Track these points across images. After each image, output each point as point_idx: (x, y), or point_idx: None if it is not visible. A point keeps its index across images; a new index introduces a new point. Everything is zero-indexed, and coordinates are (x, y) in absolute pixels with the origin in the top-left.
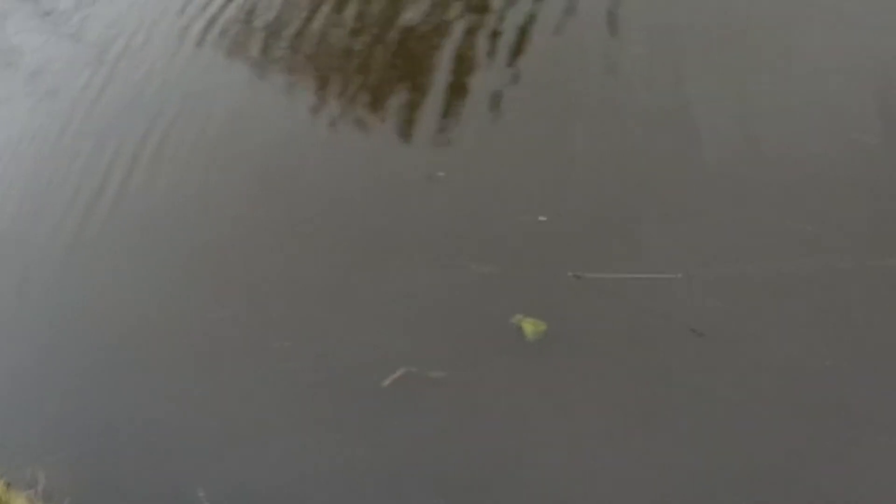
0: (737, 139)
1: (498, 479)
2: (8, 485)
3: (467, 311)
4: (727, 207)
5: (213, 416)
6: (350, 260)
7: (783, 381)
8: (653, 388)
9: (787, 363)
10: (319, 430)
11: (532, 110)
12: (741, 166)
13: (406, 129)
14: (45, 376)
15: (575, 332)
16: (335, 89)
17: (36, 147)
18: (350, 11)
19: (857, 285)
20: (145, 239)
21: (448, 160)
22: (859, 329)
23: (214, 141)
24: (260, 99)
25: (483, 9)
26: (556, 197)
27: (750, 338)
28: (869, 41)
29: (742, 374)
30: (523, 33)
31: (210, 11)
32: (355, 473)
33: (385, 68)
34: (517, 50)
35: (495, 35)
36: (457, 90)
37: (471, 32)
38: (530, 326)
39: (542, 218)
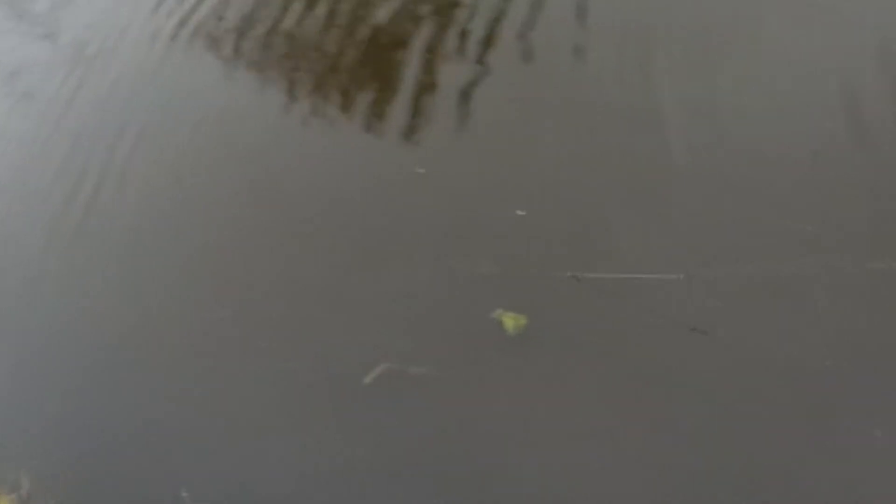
0: (731, 137)
1: (490, 477)
2: None
3: (449, 308)
4: (699, 205)
5: (201, 417)
6: (330, 258)
7: (783, 381)
8: (652, 386)
9: (787, 363)
10: (306, 429)
11: (504, 106)
12: (713, 164)
13: (381, 125)
14: (27, 381)
15: (560, 327)
16: (308, 88)
17: (19, 147)
18: (322, 9)
19: (857, 285)
20: (135, 243)
21: (426, 156)
22: (859, 329)
23: (195, 142)
24: (238, 98)
25: (454, 5)
26: (535, 193)
27: (749, 338)
28: (844, 34)
29: (742, 373)
30: (492, 30)
31: (191, 9)
32: (343, 472)
33: (357, 66)
34: (487, 47)
35: (464, 33)
36: (429, 87)
37: (441, 30)
38: (511, 321)
39: (520, 212)
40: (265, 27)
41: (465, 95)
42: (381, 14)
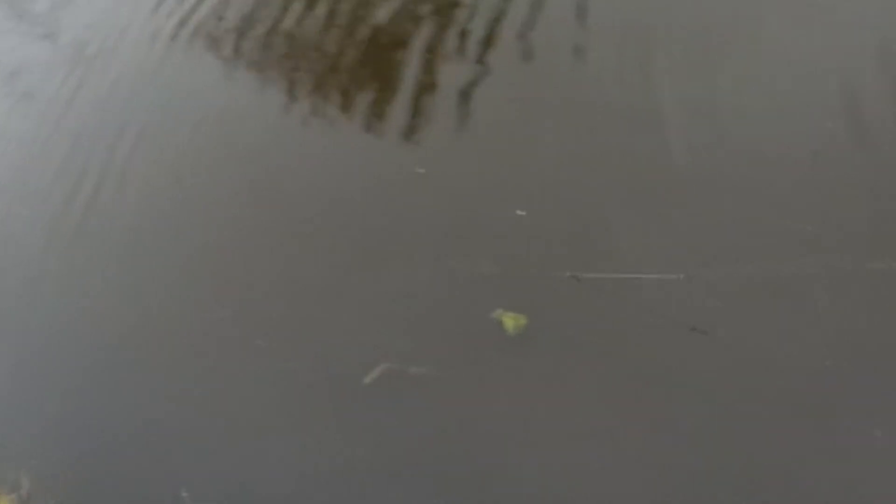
0: (730, 137)
1: (490, 477)
2: None
3: (449, 308)
4: (700, 205)
5: (201, 417)
6: (329, 258)
7: (783, 381)
8: (651, 386)
9: (786, 363)
10: (306, 429)
11: (505, 106)
12: (713, 164)
13: (380, 125)
14: (27, 380)
15: (559, 327)
16: (308, 88)
17: (20, 147)
18: (322, 9)
19: (857, 285)
20: (135, 243)
21: (426, 156)
22: (859, 329)
23: (195, 142)
24: (238, 97)
25: (454, 4)
26: (535, 193)
27: (749, 338)
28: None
29: (741, 373)
30: (492, 30)
31: (191, 9)
32: (343, 472)
33: (356, 66)
34: (487, 46)
35: (464, 33)
36: (429, 87)
37: (441, 30)
38: (511, 321)
39: (520, 212)
40: (265, 27)
41: (466, 95)
42: (382, 14)
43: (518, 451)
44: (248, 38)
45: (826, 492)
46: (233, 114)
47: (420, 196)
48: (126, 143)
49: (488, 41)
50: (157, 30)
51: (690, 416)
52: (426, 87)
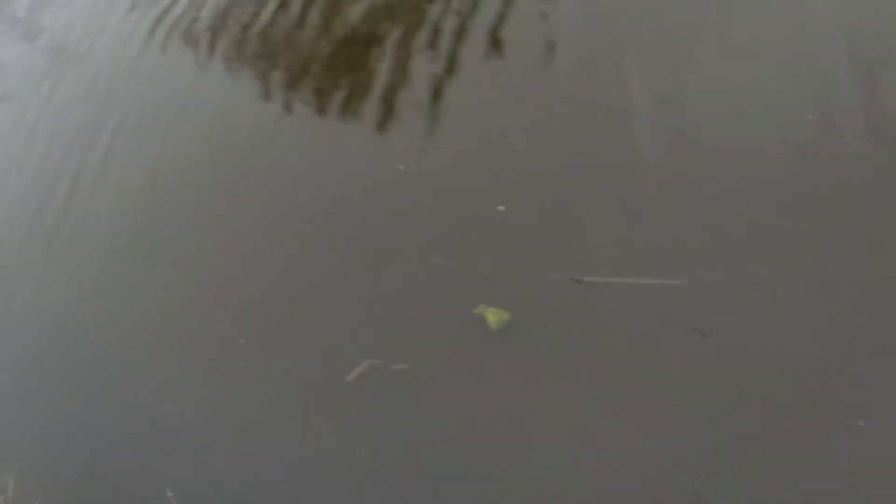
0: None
1: (489, 475)
2: None
3: (431, 304)
4: (674, 204)
5: (185, 417)
6: (308, 256)
7: (784, 382)
8: (650, 386)
9: (787, 363)
10: (294, 427)
11: (477, 101)
12: (714, 164)
13: (358, 122)
14: (12, 383)
15: (543, 322)
16: (284, 85)
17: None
18: (296, 6)
19: (858, 288)
20: (109, 245)
21: (405, 153)
22: (861, 331)
23: (172, 142)
24: (219, 95)
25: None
26: (517, 188)
27: (750, 339)
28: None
29: (742, 375)
30: (464, 27)
31: (167, 7)
32: (336, 471)
33: (335, 64)
34: (459, 44)
35: (437, 31)
36: (405, 84)
37: (415, 27)
38: (493, 316)
39: (500, 208)
40: (241, 24)
41: (442, 92)
42: (356, 12)
43: (507, 449)
44: (223, 37)
45: (827, 493)
46: (210, 112)
47: (400, 192)
48: (103, 143)
49: (459, 37)
50: (133, 29)
51: (690, 415)
52: (401, 83)
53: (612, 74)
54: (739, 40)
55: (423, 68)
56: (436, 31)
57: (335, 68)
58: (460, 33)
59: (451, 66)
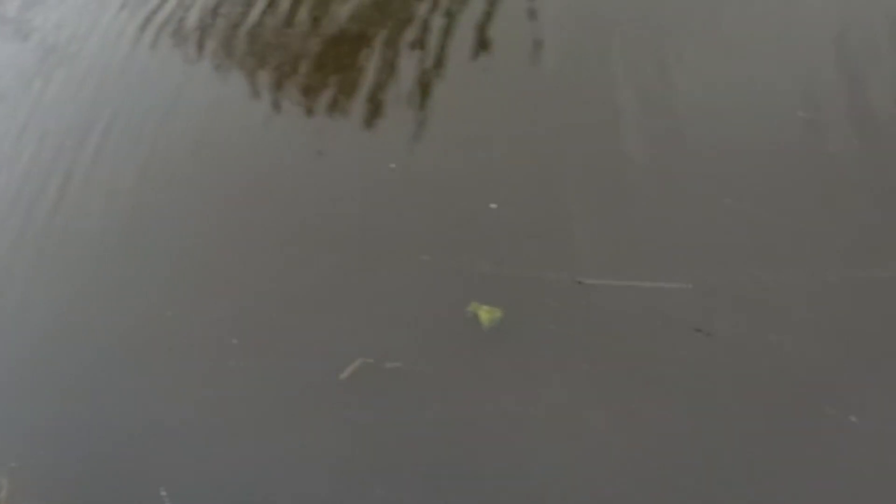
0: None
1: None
2: None
3: (423, 302)
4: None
5: (177, 417)
6: (300, 256)
7: (784, 383)
8: (649, 386)
9: (786, 364)
10: (286, 428)
11: (467, 99)
12: (712, 165)
13: (347, 121)
14: (5, 385)
15: (539, 320)
16: (274, 84)
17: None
18: (285, 5)
19: (859, 290)
20: (100, 246)
21: (398, 151)
22: (862, 333)
23: (161, 141)
24: (205, 95)
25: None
26: (508, 186)
27: (750, 341)
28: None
29: (742, 376)
30: (453, 25)
31: (157, 6)
32: (317, 467)
33: (322, 61)
34: (448, 42)
35: (425, 28)
36: (392, 82)
37: (401, 27)
38: (486, 314)
39: (492, 206)
40: (231, 23)
41: (433, 90)
42: (345, 11)
43: (507, 449)
44: (213, 36)
45: (827, 493)
46: (200, 111)
47: (392, 191)
48: (93, 142)
49: (446, 37)
50: (123, 29)
51: (690, 416)
52: (390, 82)
53: (602, 73)
54: (730, 37)
55: (413, 67)
56: (425, 30)
57: (325, 67)
58: (449, 32)
59: (440, 64)
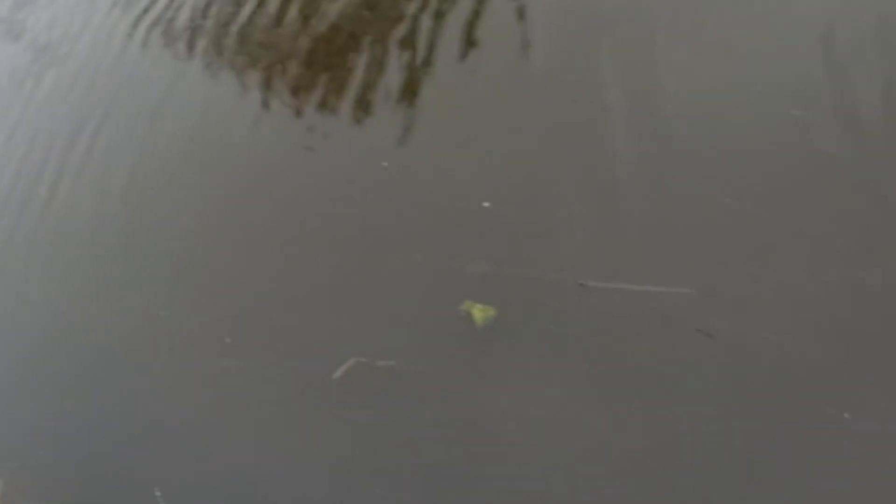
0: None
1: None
2: None
3: (417, 301)
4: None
5: (172, 417)
6: (293, 255)
7: (784, 384)
8: (649, 385)
9: (786, 364)
10: (270, 426)
11: (458, 97)
12: (712, 166)
13: (339, 120)
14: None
15: (532, 319)
16: (264, 82)
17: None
18: (273, 4)
19: (859, 290)
20: (90, 245)
21: (390, 149)
22: (862, 333)
23: (152, 141)
24: (197, 94)
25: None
26: (501, 185)
27: (750, 342)
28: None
29: (742, 377)
30: (443, 24)
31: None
32: (312, 467)
33: (310, 62)
34: (438, 41)
35: (414, 27)
36: (383, 81)
37: (391, 27)
38: (479, 312)
39: (485, 204)
40: (221, 22)
41: (431, 89)
42: (334, 9)
43: (507, 448)
44: (203, 35)
45: (827, 493)
46: (191, 110)
47: (385, 189)
48: (84, 142)
49: (435, 35)
50: (114, 28)
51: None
52: (381, 80)
53: (592, 72)
54: (721, 36)
55: (403, 65)
56: (414, 29)
57: (315, 65)
58: (439, 31)
59: (430, 63)
